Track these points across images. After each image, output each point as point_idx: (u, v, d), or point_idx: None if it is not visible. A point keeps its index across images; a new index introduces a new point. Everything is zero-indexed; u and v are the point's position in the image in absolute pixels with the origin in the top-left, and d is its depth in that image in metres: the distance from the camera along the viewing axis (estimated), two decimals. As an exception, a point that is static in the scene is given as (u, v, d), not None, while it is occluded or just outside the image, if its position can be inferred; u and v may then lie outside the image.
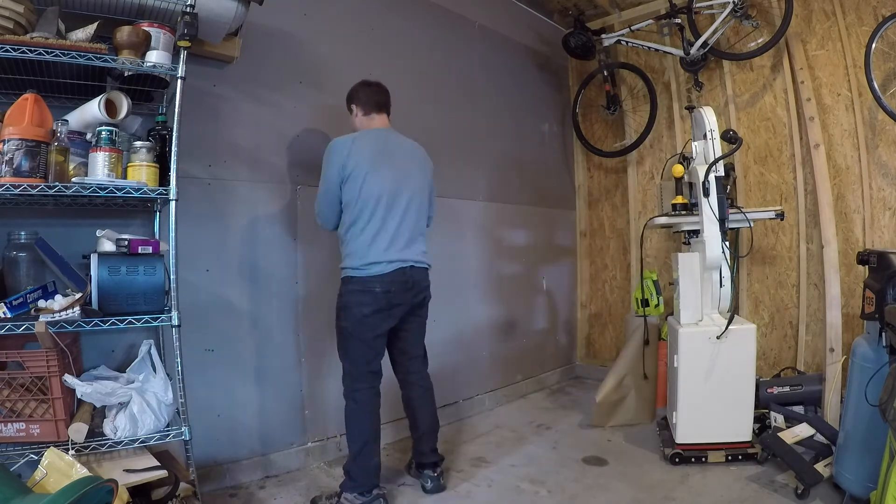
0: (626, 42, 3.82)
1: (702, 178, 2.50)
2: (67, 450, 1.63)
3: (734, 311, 2.71)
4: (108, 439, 1.77)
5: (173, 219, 1.87)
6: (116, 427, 1.79)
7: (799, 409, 2.87)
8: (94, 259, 1.80)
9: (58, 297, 1.77)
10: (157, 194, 1.87)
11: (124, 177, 1.85)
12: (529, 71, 4.15)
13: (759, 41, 3.29)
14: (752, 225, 2.80)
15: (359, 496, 2.14)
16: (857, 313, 2.46)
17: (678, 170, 2.83)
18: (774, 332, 3.48)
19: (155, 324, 1.84)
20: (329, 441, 2.69)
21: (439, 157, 3.36)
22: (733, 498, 2.26)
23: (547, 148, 4.29)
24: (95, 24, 1.78)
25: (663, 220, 2.88)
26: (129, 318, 1.79)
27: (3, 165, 1.63)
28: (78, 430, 1.69)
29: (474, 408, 3.39)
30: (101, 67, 1.79)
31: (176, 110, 1.86)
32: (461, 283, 3.32)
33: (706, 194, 2.49)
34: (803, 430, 2.60)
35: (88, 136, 1.85)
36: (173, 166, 1.86)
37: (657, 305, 3.34)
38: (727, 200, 2.59)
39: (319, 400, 2.67)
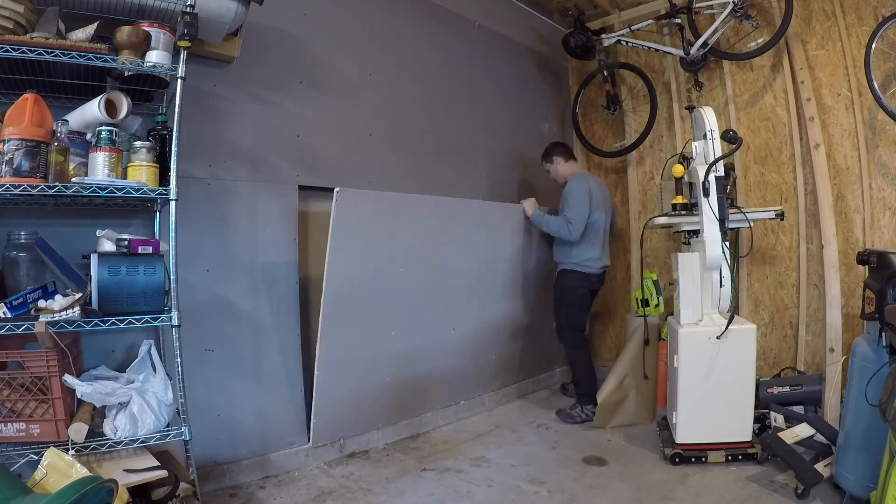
0: (626, 42, 3.82)
1: (702, 178, 2.50)
2: (67, 450, 1.63)
3: (734, 311, 2.71)
4: (108, 439, 1.77)
5: (173, 219, 1.87)
6: (116, 427, 1.79)
7: (799, 409, 2.87)
8: (94, 259, 1.80)
9: (58, 297, 1.77)
10: (157, 194, 1.87)
11: (124, 177, 1.85)
12: (529, 71, 4.15)
13: (759, 41, 3.28)
14: (752, 225, 2.80)
15: (591, 404, 3.22)
16: (857, 313, 2.46)
17: (678, 170, 2.83)
18: (774, 332, 3.48)
19: (155, 324, 1.84)
20: (332, 443, 2.70)
21: (439, 157, 3.38)
22: (733, 498, 2.26)
23: (547, 148, 4.29)
24: (95, 24, 1.78)
25: (663, 220, 2.88)
26: (129, 318, 1.79)
27: (3, 165, 1.63)
28: (78, 430, 1.70)
29: (474, 408, 3.39)
30: (101, 67, 1.79)
31: (176, 110, 1.86)
32: (460, 287, 3.28)
33: (706, 194, 2.49)
34: (803, 430, 2.60)
35: (88, 136, 1.85)
36: (173, 166, 1.87)
37: (657, 305, 3.34)
38: (727, 200, 2.59)
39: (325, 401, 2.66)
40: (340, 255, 2.48)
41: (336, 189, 2.43)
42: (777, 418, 2.77)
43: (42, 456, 1.53)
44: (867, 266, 2.23)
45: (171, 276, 1.88)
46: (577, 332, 3.38)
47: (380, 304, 2.75)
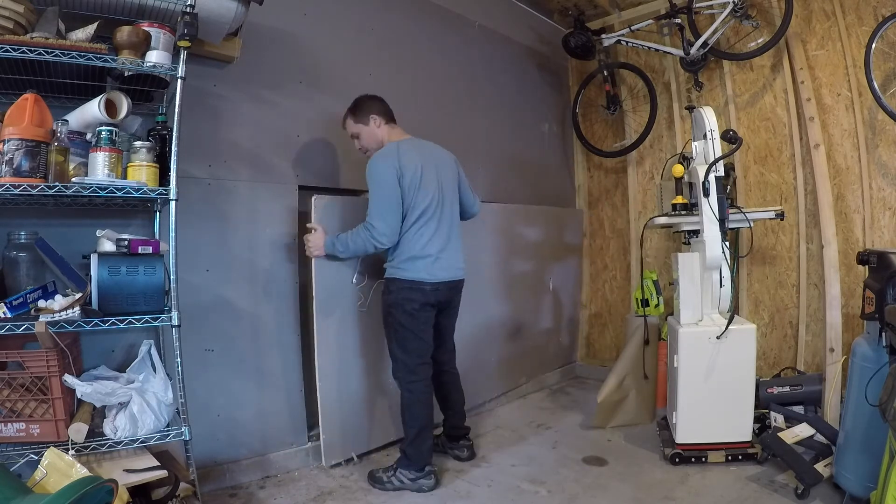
0: (626, 42, 3.82)
1: (702, 178, 2.50)
2: (67, 450, 1.63)
3: (734, 311, 2.71)
4: (108, 439, 1.77)
5: (173, 219, 1.87)
6: (116, 427, 1.79)
7: (799, 409, 2.87)
8: (94, 259, 1.80)
9: (58, 297, 1.77)
10: (157, 194, 1.87)
11: (124, 177, 1.85)
12: (529, 71, 4.14)
13: (759, 41, 3.28)
14: (752, 225, 2.80)
15: (413, 472, 2.39)
16: (857, 313, 2.46)
17: (678, 170, 2.83)
18: (774, 332, 3.48)
19: (155, 324, 1.84)
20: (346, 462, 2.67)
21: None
22: (733, 498, 2.26)
23: (547, 148, 4.29)
24: (95, 24, 1.78)
25: (663, 220, 2.88)
26: (129, 318, 1.78)
27: (3, 165, 1.63)
28: (78, 430, 1.70)
29: (474, 408, 3.38)
30: (101, 67, 1.78)
31: (176, 110, 1.86)
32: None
33: (706, 194, 2.49)
34: (803, 430, 2.60)
35: (88, 136, 1.85)
36: (173, 166, 1.86)
37: (657, 305, 3.34)
38: (727, 200, 2.58)
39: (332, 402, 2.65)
40: (326, 263, 2.51)
41: (313, 197, 2.50)
42: (777, 418, 2.77)
43: (42, 456, 1.53)
44: (867, 266, 2.23)
45: (171, 276, 1.88)
46: (410, 369, 2.40)
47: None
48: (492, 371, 3.49)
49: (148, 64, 1.86)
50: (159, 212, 2.16)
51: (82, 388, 1.72)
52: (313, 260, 2.48)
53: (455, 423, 2.73)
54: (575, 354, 4.40)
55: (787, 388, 2.90)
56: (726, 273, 2.61)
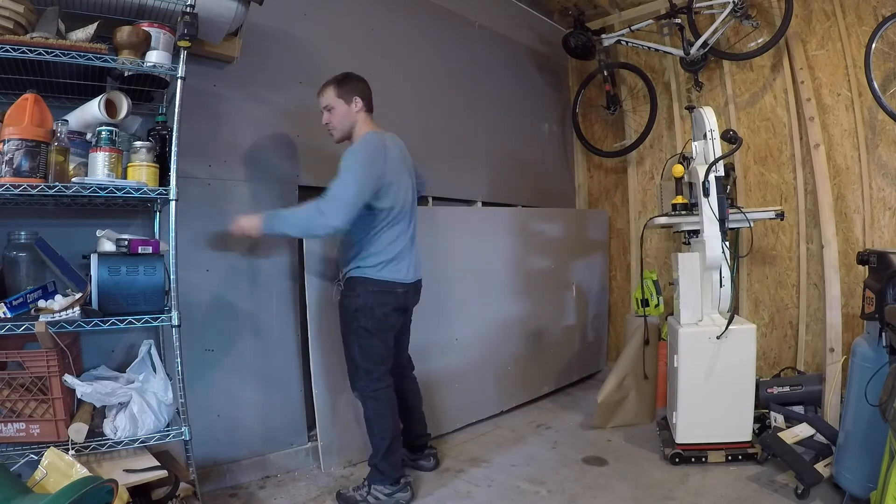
0: (626, 42, 3.83)
1: (702, 178, 2.50)
2: (67, 450, 1.63)
3: (734, 311, 2.71)
4: (108, 439, 1.77)
5: (173, 219, 1.87)
6: (116, 427, 1.79)
7: (799, 409, 2.87)
8: (94, 259, 1.80)
9: (58, 297, 1.77)
10: (157, 194, 1.87)
11: (124, 177, 1.85)
12: (529, 71, 4.15)
13: (759, 41, 3.29)
14: (752, 225, 2.79)
15: (389, 486, 2.24)
16: (857, 313, 2.46)
17: (678, 170, 2.83)
18: (774, 332, 3.48)
19: (155, 324, 1.84)
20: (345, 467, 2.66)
21: (439, 158, 3.38)
22: (733, 498, 2.26)
23: (547, 148, 4.29)
24: (95, 24, 1.78)
25: (663, 220, 2.88)
26: (129, 318, 1.79)
27: (3, 165, 1.63)
28: (78, 430, 1.69)
29: (474, 412, 3.37)
30: (101, 67, 1.79)
31: (176, 110, 1.86)
32: (455, 294, 3.20)
33: (706, 194, 2.49)
34: (803, 430, 2.60)
35: (88, 136, 1.85)
36: (173, 166, 1.87)
37: (657, 305, 3.34)
38: (727, 200, 2.58)
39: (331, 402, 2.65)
40: (317, 266, 2.51)
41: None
42: (777, 418, 2.77)
43: (42, 456, 1.52)
44: (867, 266, 2.23)
45: (171, 276, 1.88)
46: (374, 377, 2.25)
47: None
48: (491, 375, 3.47)
49: (148, 64, 1.86)
50: (159, 212, 2.16)
51: (82, 388, 1.72)
52: (305, 263, 2.48)
53: (418, 431, 2.58)
54: (602, 361, 4.31)
55: (787, 388, 2.90)
56: (726, 273, 2.61)
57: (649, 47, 3.73)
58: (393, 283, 2.23)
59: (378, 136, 2.24)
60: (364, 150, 2.17)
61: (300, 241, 2.54)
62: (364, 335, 2.23)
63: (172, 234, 1.87)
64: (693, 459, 2.57)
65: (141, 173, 1.86)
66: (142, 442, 1.80)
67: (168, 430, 1.87)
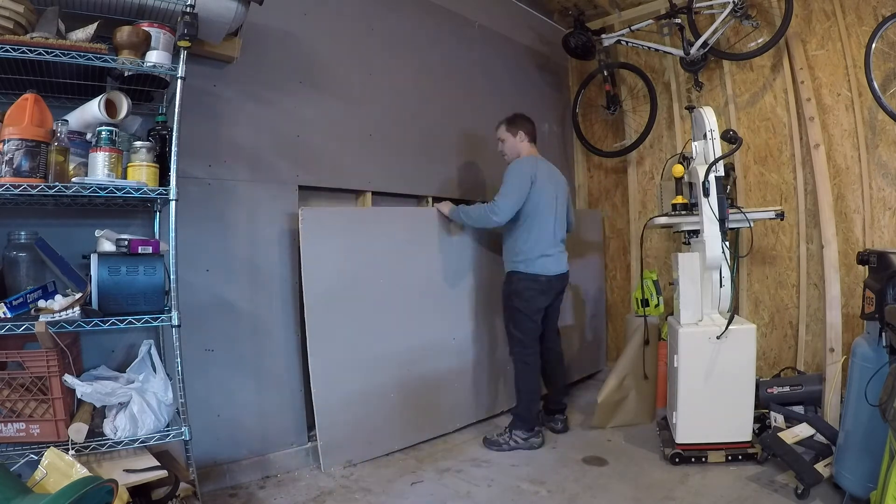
0: (626, 42, 3.83)
1: (702, 178, 2.50)
2: (67, 450, 1.63)
3: (734, 311, 2.71)
4: (108, 439, 1.77)
5: (173, 219, 1.87)
6: (116, 427, 1.79)
7: (799, 409, 2.87)
8: (94, 259, 1.80)
9: (58, 297, 1.77)
10: (157, 194, 1.87)
11: (124, 177, 1.85)
12: (529, 71, 4.15)
13: (759, 41, 3.29)
14: (752, 225, 2.80)
15: (525, 432, 2.83)
16: (857, 313, 2.46)
17: (678, 170, 2.83)
18: (774, 332, 3.48)
19: (155, 324, 1.84)
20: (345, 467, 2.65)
21: (438, 158, 3.38)
22: (733, 498, 2.26)
23: (547, 148, 4.27)
24: (95, 24, 1.78)
25: (663, 220, 2.88)
26: (129, 318, 1.79)
27: (3, 165, 1.63)
28: (78, 430, 1.69)
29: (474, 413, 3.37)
30: (101, 67, 1.79)
31: (176, 110, 1.86)
32: (454, 295, 3.18)
33: (706, 194, 2.49)
34: (803, 430, 2.60)
35: (88, 136, 1.85)
36: (173, 166, 1.87)
37: (657, 305, 3.34)
38: (727, 200, 2.58)
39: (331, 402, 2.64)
40: (315, 265, 2.52)
41: (300, 209, 2.51)
42: (777, 418, 2.77)
43: (42, 456, 1.52)
44: (867, 266, 2.23)
45: (171, 276, 1.88)
46: (525, 345, 2.90)
47: (368, 316, 2.71)
48: (491, 375, 3.47)
49: (148, 64, 1.86)
50: (159, 212, 2.16)
51: (82, 388, 1.72)
52: (302, 263, 2.49)
53: (556, 398, 3.12)
54: (602, 361, 4.30)
55: (787, 388, 2.90)
56: (726, 273, 2.61)
57: (649, 47, 3.73)
58: (537, 275, 2.86)
59: (533, 158, 2.94)
60: (520, 165, 2.88)
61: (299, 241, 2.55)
62: (515, 312, 2.93)
63: (172, 234, 1.87)
64: (693, 459, 2.57)
65: (141, 173, 1.86)
66: (142, 442, 1.80)
67: (168, 430, 1.87)
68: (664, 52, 3.69)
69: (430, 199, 3.26)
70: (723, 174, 2.59)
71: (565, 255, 3.01)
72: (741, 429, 2.57)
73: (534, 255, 2.85)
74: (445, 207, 3.02)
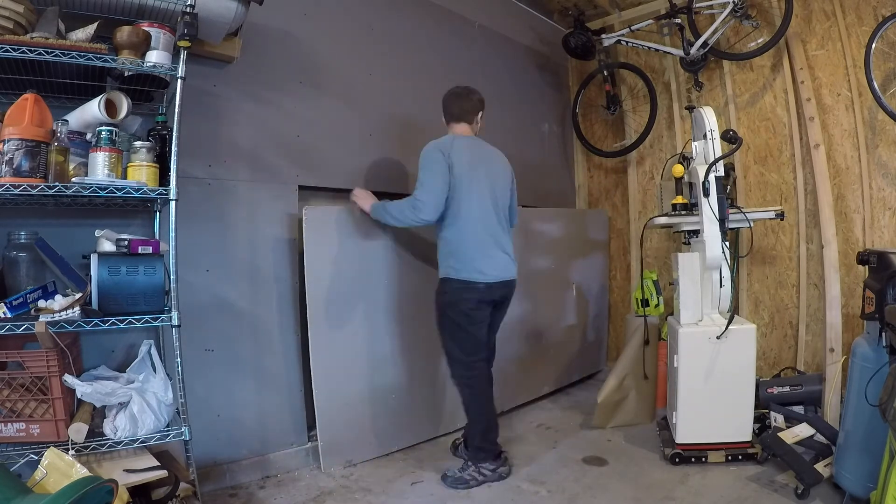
0: (626, 42, 3.83)
1: (702, 178, 2.50)
2: (67, 450, 1.63)
3: (734, 311, 2.71)
4: (108, 439, 1.77)
5: (173, 219, 1.87)
6: (116, 427, 1.79)
7: (799, 409, 2.87)
8: (94, 259, 1.80)
9: (58, 297, 1.77)
10: (157, 194, 1.87)
11: (124, 177, 1.85)
12: (529, 71, 4.14)
13: (759, 41, 3.29)
14: (752, 225, 2.80)
15: (492, 462, 2.47)
16: (857, 313, 2.46)
17: (678, 170, 2.83)
18: (774, 332, 3.48)
19: (155, 324, 1.84)
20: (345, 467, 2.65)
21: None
22: (733, 498, 2.26)
23: (547, 148, 4.29)
24: (95, 24, 1.78)
25: (663, 220, 2.88)
26: (129, 318, 1.79)
27: (3, 165, 1.63)
28: (78, 430, 1.70)
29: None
30: (101, 67, 1.79)
31: (176, 110, 1.86)
32: None
33: (706, 194, 2.49)
34: (803, 430, 2.60)
35: (88, 136, 1.85)
36: (173, 166, 1.87)
37: (657, 305, 3.34)
38: (727, 200, 2.59)
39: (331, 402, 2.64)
40: (318, 265, 2.51)
41: (304, 208, 2.50)
42: (777, 418, 2.77)
43: (42, 456, 1.53)
44: (867, 266, 2.23)
45: (171, 276, 1.88)
46: (467, 365, 2.45)
47: (371, 315, 2.72)
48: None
49: (148, 64, 1.86)
50: (159, 212, 2.16)
51: (82, 388, 1.72)
52: (305, 263, 2.48)
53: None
54: (602, 361, 4.30)
55: (787, 388, 2.90)
56: (726, 273, 2.61)
57: (649, 47, 3.73)
58: (474, 283, 2.40)
59: (448, 138, 2.48)
60: (429, 150, 2.43)
61: (301, 241, 2.55)
62: (453, 327, 2.48)
63: (172, 234, 1.87)
64: (693, 459, 2.57)
65: (141, 173, 1.86)
66: (142, 442, 1.80)
67: (168, 430, 1.87)
68: (664, 52, 3.69)
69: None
70: (723, 174, 2.59)
71: (510, 257, 2.53)
72: (741, 429, 2.57)
73: (466, 256, 2.38)
74: (366, 202, 2.52)
